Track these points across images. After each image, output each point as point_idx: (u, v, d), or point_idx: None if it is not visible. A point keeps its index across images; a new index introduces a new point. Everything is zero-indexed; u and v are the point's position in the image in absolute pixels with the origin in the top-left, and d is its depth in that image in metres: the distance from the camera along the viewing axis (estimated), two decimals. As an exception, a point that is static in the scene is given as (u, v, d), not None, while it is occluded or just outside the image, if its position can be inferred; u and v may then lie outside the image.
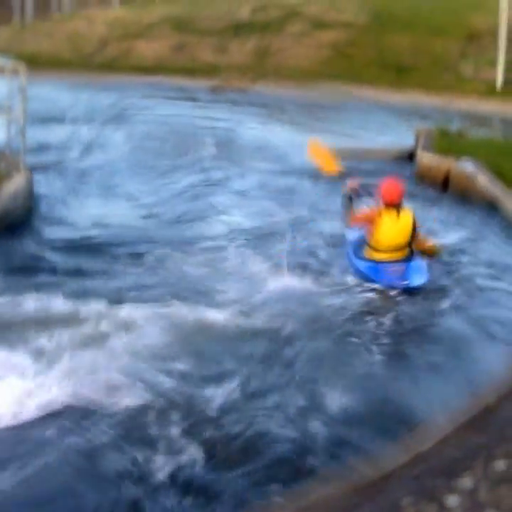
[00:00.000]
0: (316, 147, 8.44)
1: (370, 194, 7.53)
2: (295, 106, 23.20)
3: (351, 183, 7.44)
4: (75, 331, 5.14)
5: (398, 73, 27.99)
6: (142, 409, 4.19)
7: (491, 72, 25.96)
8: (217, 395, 4.38)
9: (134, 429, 4.02)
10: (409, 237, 6.79)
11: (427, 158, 11.73)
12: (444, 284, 6.71)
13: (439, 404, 4.03)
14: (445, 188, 10.99)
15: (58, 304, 5.65)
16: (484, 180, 10.24)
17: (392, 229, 6.75)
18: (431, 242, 7.13)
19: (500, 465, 2.79)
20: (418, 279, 6.46)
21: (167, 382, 4.52)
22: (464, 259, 7.50)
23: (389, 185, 6.84)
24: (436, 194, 10.63)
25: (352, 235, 7.28)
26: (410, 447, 3.19)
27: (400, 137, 15.04)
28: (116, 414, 4.13)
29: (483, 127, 15.34)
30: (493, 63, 25.83)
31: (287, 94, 26.50)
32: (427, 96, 24.73)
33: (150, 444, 3.88)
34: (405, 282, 6.44)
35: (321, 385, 4.55)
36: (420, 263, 6.71)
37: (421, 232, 6.96)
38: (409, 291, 6.34)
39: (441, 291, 6.51)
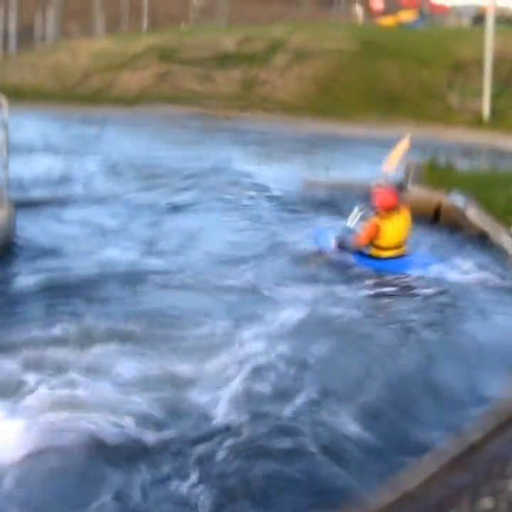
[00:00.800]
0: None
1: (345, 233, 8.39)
2: (284, 140, 23.43)
3: (324, 256, 8.27)
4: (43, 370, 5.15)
5: (387, 105, 28.37)
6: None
7: (477, 103, 26.36)
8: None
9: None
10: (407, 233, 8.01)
11: (417, 192, 11.93)
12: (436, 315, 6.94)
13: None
14: (435, 221, 11.15)
15: (25, 345, 5.62)
16: (475, 214, 10.43)
17: (395, 229, 7.94)
18: None
19: (486, 503, 2.86)
20: (423, 270, 7.72)
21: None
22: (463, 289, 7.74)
23: (384, 194, 8.03)
24: (428, 227, 10.79)
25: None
26: (397, 486, 3.25)
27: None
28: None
29: (471, 159, 15.58)
30: (479, 94, 26.25)
31: (275, 128, 26.76)
32: (416, 127, 25.07)
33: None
34: (413, 272, 7.68)
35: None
36: (419, 255, 8.03)
37: None
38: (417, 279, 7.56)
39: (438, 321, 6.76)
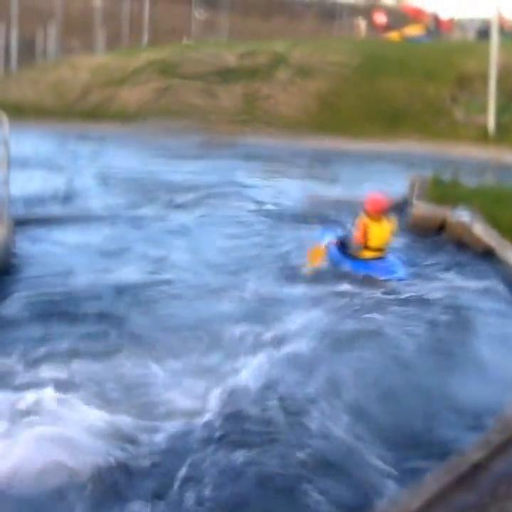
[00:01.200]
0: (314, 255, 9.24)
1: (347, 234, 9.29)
2: (286, 155, 23.50)
3: (331, 242, 9.17)
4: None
5: (391, 120, 28.44)
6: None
7: (482, 118, 26.41)
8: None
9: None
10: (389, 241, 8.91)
11: (421, 207, 11.94)
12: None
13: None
14: (440, 237, 11.16)
15: (16, 367, 5.62)
16: (480, 230, 10.43)
17: (380, 233, 8.80)
18: None
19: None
20: (402, 273, 8.58)
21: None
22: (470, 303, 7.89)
23: (373, 199, 8.91)
24: (433, 243, 10.81)
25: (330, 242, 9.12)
26: (399, 506, 3.23)
27: (391, 187, 15.27)
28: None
29: (477, 174, 15.59)
30: (484, 108, 26.30)
31: (278, 143, 26.83)
32: (420, 143, 25.12)
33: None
34: (394, 274, 8.49)
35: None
36: (395, 259, 8.86)
37: None
38: (397, 281, 8.36)
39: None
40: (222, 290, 8.16)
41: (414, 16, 43.93)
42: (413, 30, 40.25)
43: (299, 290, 8.19)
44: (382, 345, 6.57)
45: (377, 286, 8.29)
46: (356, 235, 8.89)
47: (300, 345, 6.25)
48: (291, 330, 6.74)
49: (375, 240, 8.85)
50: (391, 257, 8.94)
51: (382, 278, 8.49)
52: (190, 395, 5.26)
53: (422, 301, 7.94)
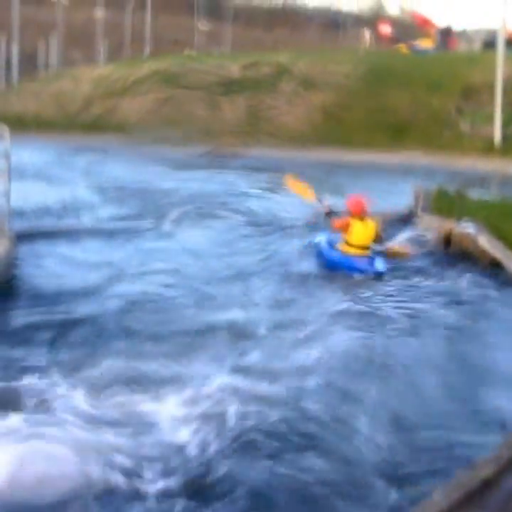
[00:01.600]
0: (292, 182, 11.56)
1: (337, 212, 10.39)
2: (290, 166, 23.53)
3: (324, 206, 10.59)
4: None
5: (396, 131, 28.50)
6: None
7: (488, 129, 26.45)
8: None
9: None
10: (372, 241, 9.79)
11: (427, 220, 11.96)
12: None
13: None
14: (446, 249, 11.16)
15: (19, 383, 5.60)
16: (486, 243, 10.44)
17: (361, 231, 9.70)
18: (399, 246, 10.36)
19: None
20: (381, 267, 9.37)
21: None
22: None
23: (353, 201, 9.89)
24: (439, 255, 10.82)
25: (321, 240, 10.17)
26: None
27: (395, 198, 15.29)
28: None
29: (482, 187, 15.61)
30: (490, 120, 26.35)
31: (282, 154, 26.88)
32: (425, 155, 25.16)
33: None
34: (373, 268, 9.33)
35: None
36: (379, 259, 9.55)
37: (393, 242, 10.46)
38: (376, 275, 9.25)
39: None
40: (229, 297, 8.30)
41: (421, 25, 43.93)
42: (424, 43, 40.25)
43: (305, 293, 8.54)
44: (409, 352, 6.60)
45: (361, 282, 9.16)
46: (338, 224, 9.92)
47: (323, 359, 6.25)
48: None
49: (357, 237, 9.75)
50: (373, 255, 9.75)
51: (364, 272, 9.39)
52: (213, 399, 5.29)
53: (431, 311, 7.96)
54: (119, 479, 4.36)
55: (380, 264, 9.46)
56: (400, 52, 38.37)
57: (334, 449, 4.74)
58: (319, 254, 10.09)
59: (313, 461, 4.57)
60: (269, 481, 4.34)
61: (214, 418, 5.03)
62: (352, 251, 9.74)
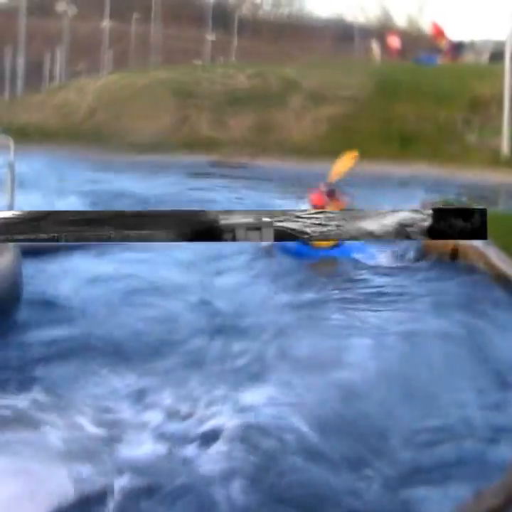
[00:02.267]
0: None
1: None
2: (298, 179, 23.52)
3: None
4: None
5: (403, 143, 28.50)
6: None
7: (496, 141, 26.43)
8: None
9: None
10: None
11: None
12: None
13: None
14: (453, 261, 11.14)
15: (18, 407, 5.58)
16: (493, 255, 10.42)
17: None
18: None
19: None
20: (368, 251, 10.48)
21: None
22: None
23: (314, 195, 11.53)
24: (446, 268, 10.80)
25: None
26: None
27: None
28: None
29: (489, 199, 15.60)
30: (497, 131, 26.33)
31: (288, 167, 26.87)
32: (432, 166, 25.13)
33: None
34: (359, 253, 10.40)
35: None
36: (346, 246, 10.47)
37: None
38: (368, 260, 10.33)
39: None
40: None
41: (436, 36, 44.15)
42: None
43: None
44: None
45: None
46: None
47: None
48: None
49: None
50: (346, 244, 10.45)
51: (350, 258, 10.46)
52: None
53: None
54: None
55: (366, 251, 10.48)
56: (404, 65, 38.58)
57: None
58: (287, 249, 10.77)
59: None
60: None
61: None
62: (322, 244, 10.34)
